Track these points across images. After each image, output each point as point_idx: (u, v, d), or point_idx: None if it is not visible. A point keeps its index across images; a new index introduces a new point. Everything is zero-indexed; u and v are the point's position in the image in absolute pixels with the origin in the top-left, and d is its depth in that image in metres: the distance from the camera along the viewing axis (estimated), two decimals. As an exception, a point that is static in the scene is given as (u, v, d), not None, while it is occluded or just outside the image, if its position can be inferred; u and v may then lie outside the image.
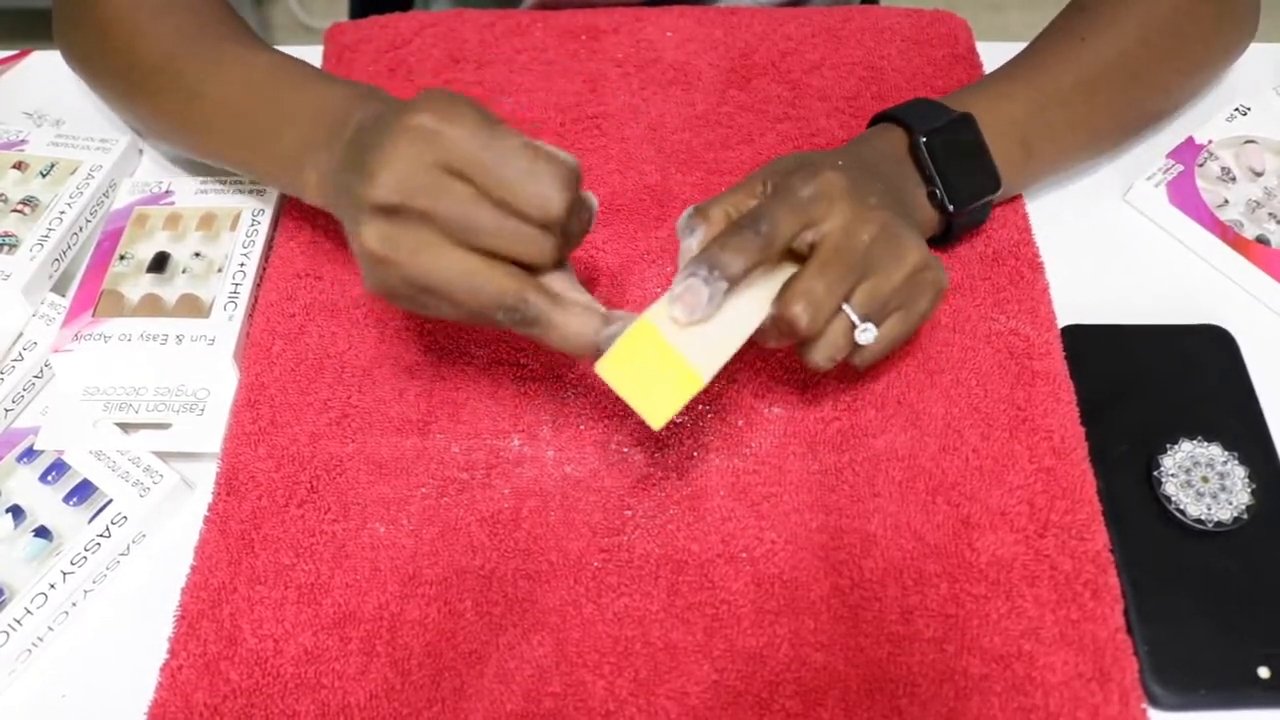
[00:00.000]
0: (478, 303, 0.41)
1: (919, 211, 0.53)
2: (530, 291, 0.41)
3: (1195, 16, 0.59)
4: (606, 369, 0.42)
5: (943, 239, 0.55)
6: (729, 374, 0.52)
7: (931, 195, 0.53)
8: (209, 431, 0.51)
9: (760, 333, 0.45)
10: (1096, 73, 0.57)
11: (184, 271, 0.55)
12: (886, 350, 0.47)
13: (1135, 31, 0.58)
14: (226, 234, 0.57)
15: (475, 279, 0.40)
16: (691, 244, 0.45)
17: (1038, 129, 0.56)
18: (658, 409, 0.41)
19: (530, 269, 0.42)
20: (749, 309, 0.44)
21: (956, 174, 0.52)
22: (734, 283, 0.42)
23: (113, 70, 0.58)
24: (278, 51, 0.55)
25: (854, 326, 0.45)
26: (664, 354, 0.41)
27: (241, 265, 0.55)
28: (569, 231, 0.42)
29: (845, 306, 0.44)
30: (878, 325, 0.45)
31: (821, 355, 0.45)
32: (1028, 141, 0.55)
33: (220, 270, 0.55)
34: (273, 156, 0.51)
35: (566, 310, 0.42)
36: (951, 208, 0.52)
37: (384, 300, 0.44)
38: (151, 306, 0.53)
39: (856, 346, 0.46)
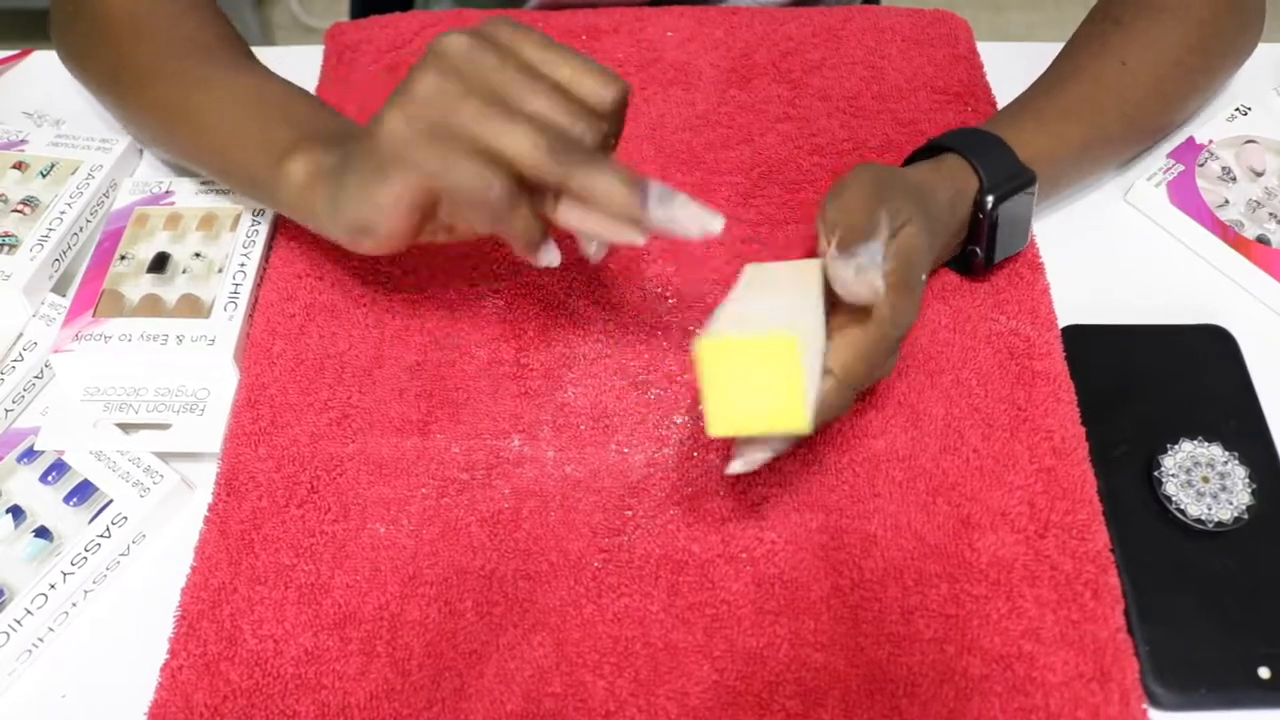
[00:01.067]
0: (517, 139, 0.39)
1: (949, 252, 0.54)
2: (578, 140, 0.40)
3: (1218, 30, 0.59)
4: (712, 351, 0.38)
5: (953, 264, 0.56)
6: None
7: (972, 252, 0.53)
8: (209, 432, 0.51)
9: None
10: (1137, 104, 0.57)
11: (184, 272, 0.55)
12: None
13: (1171, 53, 0.58)
14: (227, 234, 0.57)
15: (516, 122, 0.39)
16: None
17: (1071, 170, 0.57)
18: (734, 420, 0.38)
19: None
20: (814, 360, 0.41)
21: (1001, 242, 0.53)
22: None
23: (102, 65, 0.58)
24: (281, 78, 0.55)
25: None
26: (791, 378, 0.37)
27: (242, 265, 0.55)
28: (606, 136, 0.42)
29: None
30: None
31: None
32: (1056, 179, 0.56)
33: (220, 270, 0.55)
34: (259, 143, 0.50)
35: (608, 171, 0.39)
36: (984, 265, 0.53)
37: (403, 151, 0.41)
38: (152, 307, 0.53)
39: None
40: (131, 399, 0.51)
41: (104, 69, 0.58)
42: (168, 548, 0.49)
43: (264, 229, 0.57)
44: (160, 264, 0.55)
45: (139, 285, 0.54)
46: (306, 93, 0.54)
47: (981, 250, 0.53)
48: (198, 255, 0.56)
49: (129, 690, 0.44)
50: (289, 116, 0.51)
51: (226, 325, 0.52)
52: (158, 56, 0.55)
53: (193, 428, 0.51)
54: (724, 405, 0.38)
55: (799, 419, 0.38)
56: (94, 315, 0.53)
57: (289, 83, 0.55)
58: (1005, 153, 0.52)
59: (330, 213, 0.46)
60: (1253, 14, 0.61)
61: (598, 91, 0.41)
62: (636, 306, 0.55)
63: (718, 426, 0.39)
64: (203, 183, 0.59)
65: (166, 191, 0.59)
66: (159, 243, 0.57)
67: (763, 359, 0.37)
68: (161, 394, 0.51)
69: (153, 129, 0.57)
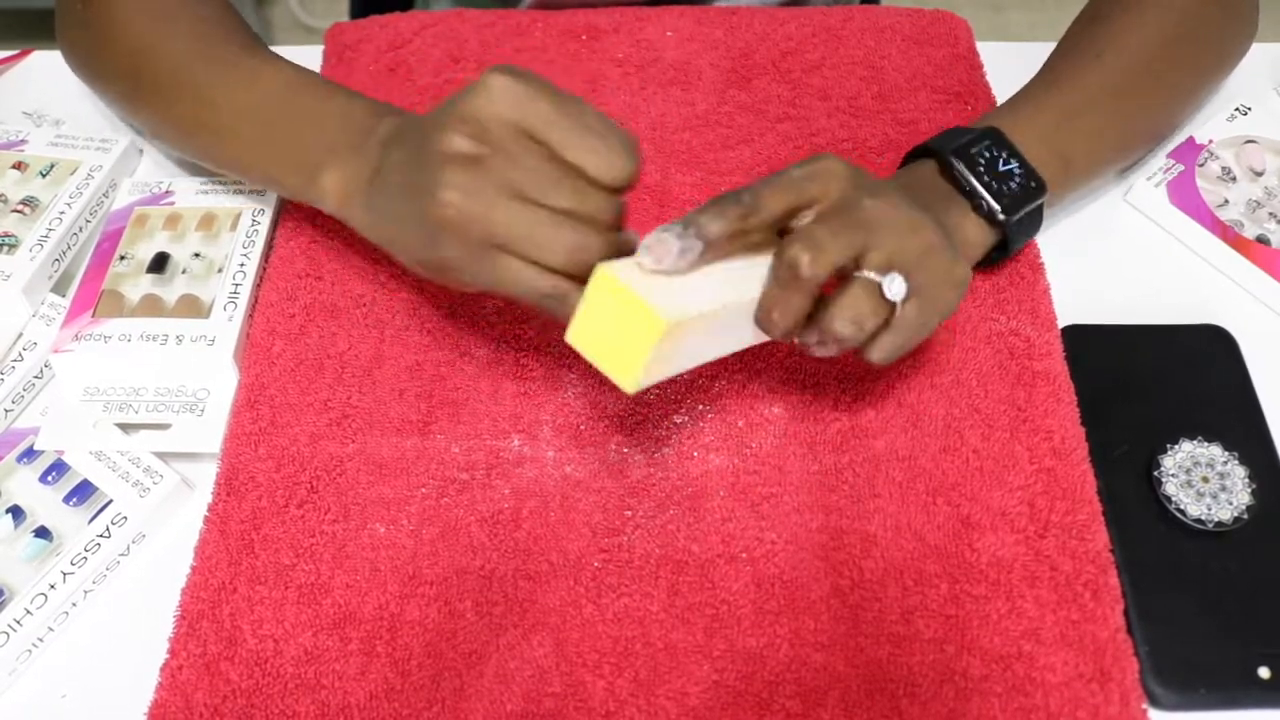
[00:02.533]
0: (544, 254, 0.41)
1: (963, 232, 0.52)
2: (598, 240, 0.41)
3: (1204, 19, 0.59)
4: (575, 335, 0.40)
5: (1002, 252, 0.54)
6: (729, 373, 0.52)
7: (978, 209, 0.52)
8: (209, 432, 0.51)
9: (765, 310, 0.43)
10: (1120, 79, 0.57)
11: (184, 272, 0.55)
12: (906, 342, 0.44)
13: (1153, 38, 0.58)
14: (226, 234, 0.57)
15: (548, 230, 0.41)
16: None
17: (1070, 137, 0.56)
18: (627, 366, 0.39)
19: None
20: (731, 286, 0.42)
21: (998, 182, 0.51)
22: (710, 245, 0.41)
23: (119, 75, 0.58)
24: (293, 64, 0.54)
25: (879, 286, 0.42)
26: (623, 300, 0.39)
27: (241, 265, 0.55)
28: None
29: (864, 273, 0.42)
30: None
31: (845, 320, 0.42)
32: (1063, 151, 0.55)
33: (220, 270, 0.55)
34: (289, 159, 0.51)
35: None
36: (1003, 216, 0.51)
37: (435, 275, 0.44)
38: (151, 307, 0.53)
39: (876, 335, 0.43)
40: (131, 399, 0.51)
41: (119, 77, 0.57)
42: (168, 548, 0.49)
43: (264, 229, 0.57)
44: (160, 264, 0.55)
45: (139, 285, 0.54)
46: (325, 81, 0.53)
47: (984, 201, 0.51)
48: (197, 255, 0.56)
49: (129, 690, 0.44)
50: (316, 118, 0.51)
51: (226, 325, 0.52)
52: (173, 63, 0.54)
53: (192, 428, 0.51)
54: (586, 327, 0.40)
55: (630, 381, 0.40)
56: (94, 315, 0.53)
57: (305, 73, 0.53)
58: (957, 130, 0.53)
59: (369, 227, 0.47)
60: (1243, 6, 0.61)
61: (616, 176, 0.42)
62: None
63: (574, 338, 0.41)
64: (202, 183, 0.59)
65: (166, 191, 0.59)
66: (158, 243, 0.57)
67: (634, 318, 0.39)
68: (161, 394, 0.51)
69: (172, 135, 0.57)
